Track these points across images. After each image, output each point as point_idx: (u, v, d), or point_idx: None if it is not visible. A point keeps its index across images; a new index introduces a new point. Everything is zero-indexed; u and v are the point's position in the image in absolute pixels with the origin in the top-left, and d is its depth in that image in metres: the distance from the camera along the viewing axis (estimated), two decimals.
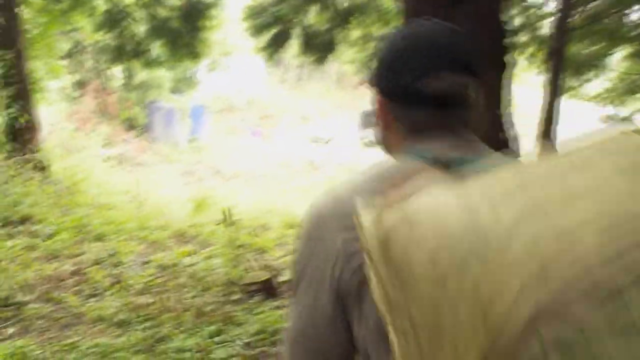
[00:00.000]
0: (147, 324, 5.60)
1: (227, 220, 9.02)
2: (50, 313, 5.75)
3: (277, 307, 6.37)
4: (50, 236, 7.71)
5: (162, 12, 10.61)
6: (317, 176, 16.71)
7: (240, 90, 27.16)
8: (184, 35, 10.59)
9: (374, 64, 1.15)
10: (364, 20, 10.82)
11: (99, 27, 10.47)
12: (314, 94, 27.90)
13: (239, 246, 7.93)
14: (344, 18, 10.50)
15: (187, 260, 7.49)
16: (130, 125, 20.35)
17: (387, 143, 1.16)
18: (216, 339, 5.45)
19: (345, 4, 10.63)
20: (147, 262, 7.39)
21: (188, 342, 5.26)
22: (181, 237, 8.56)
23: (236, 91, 26.91)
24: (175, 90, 21.92)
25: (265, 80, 30.37)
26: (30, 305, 5.82)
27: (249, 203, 10.89)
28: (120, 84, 21.01)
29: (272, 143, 21.47)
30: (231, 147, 20.56)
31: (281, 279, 7.17)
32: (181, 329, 5.58)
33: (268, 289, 6.68)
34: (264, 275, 6.78)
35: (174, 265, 7.28)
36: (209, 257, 7.63)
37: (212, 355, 5.07)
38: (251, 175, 16.66)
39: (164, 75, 20.55)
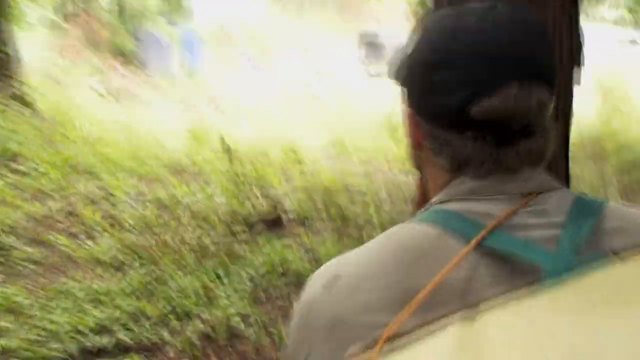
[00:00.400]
0: (147, 265, 5.22)
1: (227, 151, 8.54)
2: (42, 257, 5.34)
3: (284, 243, 6.00)
4: (40, 174, 7.24)
5: None
6: (319, 108, 16.06)
7: (239, 20, 26.23)
8: None
9: (404, 60, 0.86)
10: None
11: None
12: (316, 24, 26.86)
13: (240, 178, 7.46)
14: None
15: (186, 195, 7.03)
16: (122, 56, 19.59)
17: (421, 169, 0.92)
18: (223, 278, 5.09)
19: None
20: (143, 199, 6.94)
21: (191, 282, 4.90)
22: (179, 170, 8.10)
23: (234, 21, 25.97)
24: (168, 19, 21.01)
25: (264, 9, 29.35)
26: (20, 249, 5.40)
27: (248, 134, 10.36)
28: (109, 11, 20.10)
29: (272, 74, 20.73)
30: (229, 78, 19.79)
31: (288, 211, 6.77)
32: (184, 269, 5.21)
33: (274, 224, 6.30)
34: (270, 211, 6.37)
35: (174, 201, 6.84)
36: (210, 192, 7.17)
37: (219, 297, 4.71)
38: (250, 107, 16.03)
39: (156, 3, 19.65)
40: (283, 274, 5.30)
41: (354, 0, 30.66)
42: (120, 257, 5.36)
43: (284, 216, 6.59)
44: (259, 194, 7.16)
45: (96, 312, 4.30)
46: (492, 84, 0.74)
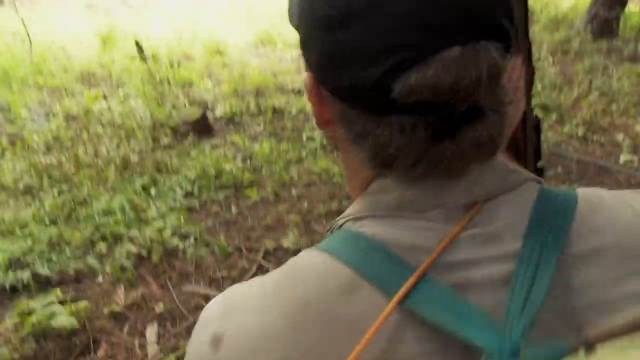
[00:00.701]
0: (62, 186, 4.66)
1: (142, 53, 7.78)
2: None
3: (215, 146, 5.53)
4: None
5: None
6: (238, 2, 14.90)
7: None
8: None
9: (302, 16, 0.59)
10: None
11: None
12: None
13: (161, 82, 6.81)
14: None
15: (100, 105, 6.34)
16: None
17: (336, 148, 0.68)
18: (151, 191, 4.61)
19: None
20: (51, 113, 6.21)
21: (116, 200, 4.40)
22: (89, 79, 7.32)
23: None
24: None
25: None
26: None
27: (164, 33, 9.46)
28: None
29: None
30: None
31: (217, 113, 6.23)
32: (106, 186, 4.68)
33: (202, 127, 5.77)
34: (195, 112, 5.80)
35: (86, 112, 6.17)
36: (126, 99, 6.50)
37: (149, 213, 4.25)
38: (161, 3, 14.73)
39: None
40: (216, 177, 4.87)
41: None
42: (28, 179, 4.76)
43: (210, 116, 6.07)
44: (181, 96, 6.56)
45: (6, 245, 3.78)
46: (423, 49, 0.51)
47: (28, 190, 4.61)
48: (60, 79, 7.15)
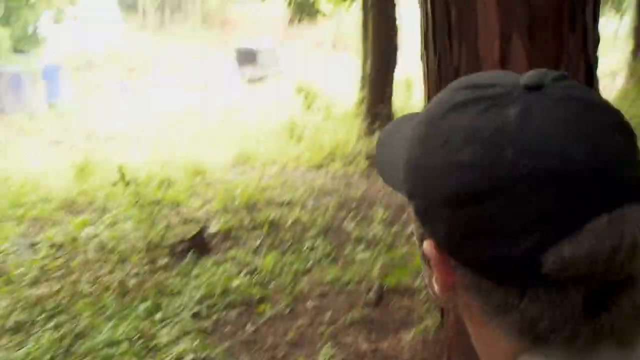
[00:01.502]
0: (57, 319, 4.21)
1: (124, 179, 7.55)
2: None
3: (217, 263, 5.21)
4: None
5: None
6: (201, 123, 15.14)
7: (97, 43, 24.39)
8: None
9: (424, 189, 0.58)
10: None
11: None
12: (179, 38, 25.69)
13: (149, 204, 6.55)
14: None
15: (87, 232, 6.00)
16: None
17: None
18: (156, 316, 4.21)
19: None
20: (35, 244, 5.82)
21: (120, 329, 3.99)
22: (71, 207, 6.99)
23: (93, 45, 24.11)
24: (17, 49, 18.90)
25: (123, 29, 27.66)
26: None
27: (140, 161, 9.32)
28: None
29: (144, 96, 19.45)
30: (99, 106, 18.26)
31: (211, 230, 5.96)
32: (106, 314, 4.26)
33: (200, 245, 5.47)
34: (191, 230, 5.53)
35: (73, 240, 5.80)
36: (114, 223, 6.18)
37: (160, 339, 3.84)
38: (130, 133, 14.77)
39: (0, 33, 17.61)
40: (224, 295, 4.53)
41: (213, 11, 30.08)
42: (17, 314, 4.30)
43: (208, 232, 5.79)
44: (172, 216, 6.30)
45: None
46: (572, 220, 0.49)
47: (20, 327, 4.14)
48: (41, 209, 6.81)
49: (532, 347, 0.55)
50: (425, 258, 0.60)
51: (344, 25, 24.80)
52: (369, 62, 9.05)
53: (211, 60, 22.45)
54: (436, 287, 0.61)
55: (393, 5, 8.79)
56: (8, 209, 6.88)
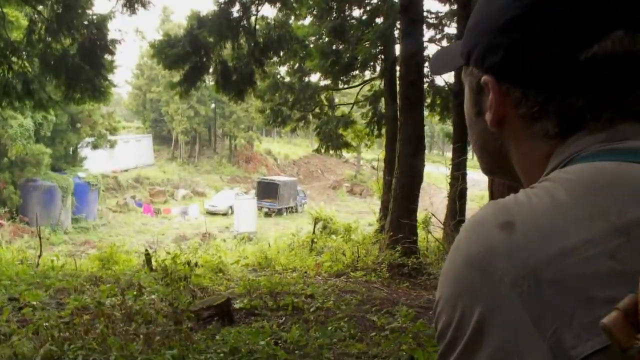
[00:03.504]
0: (88, 353, 4.10)
1: (150, 263, 7.62)
2: None
3: (242, 331, 5.09)
4: None
5: (57, 48, 9.35)
6: (219, 247, 15.30)
7: (129, 167, 25.57)
8: (84, 72, 9.34)
9: (476, 25, 0.71)
10: (282, 53, 10.34)
11: None
12: (206, 169, 26.80)
13: (174, 281, 6.54)
14: (262, 51, 9.87)
15: (113, 300, 5.94)
16: (3, 205, 17.83)
17: (498, 160, 0.75)
18: None
19: (262, 39, 10.03)
20: (62, 304, 5.76)
21: None
22: (98, 281, 6.96)
23: (124, 169, 25.26)
24: (56, 167, 19.81)
25: (154, 158, 29.07)
26: None
27: (164, 257, 9.40)
28: None
29: (167, 219, 19.92)
30: (123, 224, 18.61)
31: (236, 305, 5.89)
32: (134, 357, 4.14)
33: (225, 314, 5.39)
34: (218, 299, 5.47)
35: (99, 304, 5.72)
36: (140, 295, 6.13)
37: None
38: (150, 246, 14.91)
39: (43, 151, 18.54)
40: (249, 353, 4.39)
41: (240, 147, 31.65)
42: (47, 348, 4.19)
43: (234, 306, 5.72)
44: (198, 289, 6.26)
45: None
46: (597, 31, 0.60)
47: (48, 356, 4.02)
48: (68, 281, 6.81)
49: (567, 136, 0.65)
50: (476, 108, 0.73)
51: (361, 173, 25.78)
52: (394, 180, 9.40)
53: (234, 192, 23.17)
54: (488, 120, 0.70)
55: (421, 126, 9.33)
56: (37, 280, 6.89)
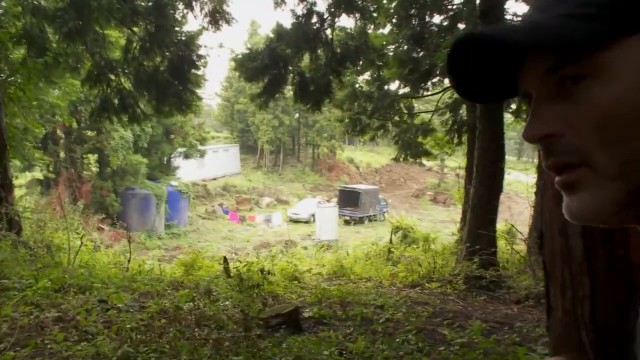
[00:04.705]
0: (160, 356, 4.31)
1: (228, 270, 7.87)
2: None
3: (309, 340, 5.15)
4: (27, 287, 6.36)
5: (149, 65, 9.89)
6: (299, 254, 15.52)
7: (217, 176, 26.65)
8: (172, 87, 9.84)
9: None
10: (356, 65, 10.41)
11: (84, 81, 9.61)
12: (289, 177, 27.37)
13: (248, 288, 6.73)
14: (339, 62, 9.98)
15: (191, 305, 6.19)
16: (105, 212, 19.07)
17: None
18: None
19: (339, 49, 10.13)
20: (144, 307, 6.07)
21: None
22: (179, 286, 7.28)
23: (213, 177, 26.35)
24: (151, 176, 20.95)
25: (241, 166, 30.10)
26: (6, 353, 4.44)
27: (243, 262, 9.69)
28: (94, 172, 19.96)
29: (251, 226, 20.48)
30: (210, 231, 19.33)
31: (305, 314, 5.97)
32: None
33: (293, 322, 5.47)
34: (287, 307, 5.57)
35: (177, 308, 5.98)
36: (216, 300, 6.36)
37: None
38: (234, 253, 15.39)
39: (140, 161, 19.68)
40: None
41: (323, 156, 32.07)
42: (127, 349, 4.44)
43: (302, 315, 5.81)
44: (269, 300, 6.41)
45: None
46: None
47: (125, 357, 4.27)
48: (152, 285, 7.16)
49: None
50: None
51: (445, 182, 25.26)
52: (472, 190, 9.17)
53: (317, 200, 23.45)
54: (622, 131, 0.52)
55: (501, 134, 9.06)
56: (125, 283, 7.30)
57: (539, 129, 0.56)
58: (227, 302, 6.21)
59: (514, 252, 9.84)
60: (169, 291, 6.93)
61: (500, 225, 10.69)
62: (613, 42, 0.51)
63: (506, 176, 9.65)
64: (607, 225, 0.59)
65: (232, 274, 7.69)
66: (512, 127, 14.67)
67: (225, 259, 7.79)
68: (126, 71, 10.20)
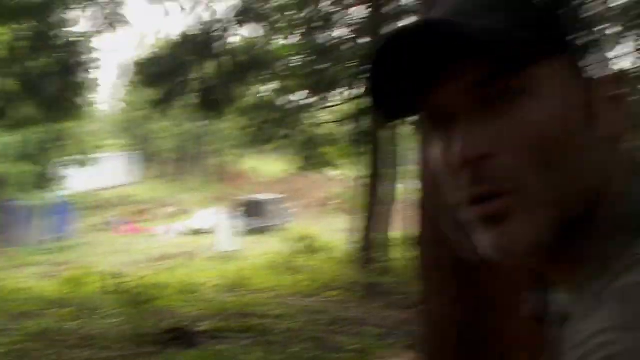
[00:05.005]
0: None
1: (117, 285, 7.45)
2: None
3: (202, 356, 4.95)
4: None
5: (34, 66, 9.27)
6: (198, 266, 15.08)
7: (114, 185, 25.39)
8: (61, 92, 9.28)
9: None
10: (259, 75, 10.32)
11: None
12: (191, 187, 26.68)
13: (139, 303, 6.39)
14: (241, 71, 9.85)
15: (73, 324, 5.79)
16: None
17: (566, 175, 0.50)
18: None
19: (242, 58, 10.00)
20: (11, 330, 5.58)
21: None
22: (59, 304, 6.79)
23: (108, 187, 25.07)
24: (38, 186, 19.56)
25: (138, 175, 28.95)
26: None
27: (135, 277, 9.25)
28: None
29: (150, 237, 19.71)
30: (103, 243, 18.41)
31: (199, 328, 5.75)
32: None
33: (187, 337, 5.24)
34: (178, 323, 5.34)
35: (58, 329, 5.57)
36: (103, 317, 5.99)
37: None
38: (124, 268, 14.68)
39: (25, 170, 18.31)
40: None
41: (226, 164, 31.63)
42: None
43: (193, 330, 5.57)
44: (163, 311, 6.12)
45: None
46: None
47: None
48: (31, 304, 6.65)
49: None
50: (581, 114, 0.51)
51: (349, 191, 25.71)
52: (371, 199, 9.37)
53: (219, 210, 22.99)
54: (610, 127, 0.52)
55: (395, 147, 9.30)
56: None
57: (473, 150, 0.49)
58: (116, 320, 5.86)
59: (410, 259, 10.10)
60: (51, 310, 6.45)
61: (397, 234, 10.96)
62: (549, 58, 0.50)
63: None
64: (529, 264, 0.55)
65: (123, 289, 7.28)
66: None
67: (116, 273, 7.37)
68: (7, 73, 9.50)
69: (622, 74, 0.54)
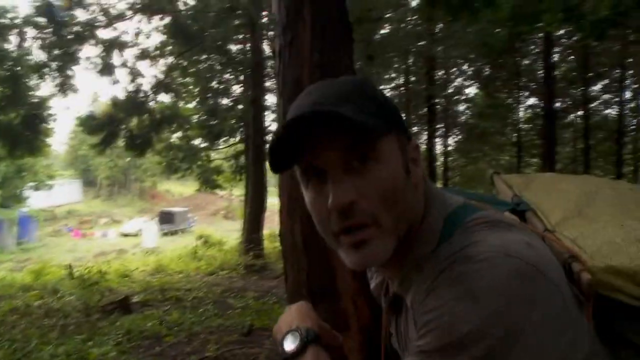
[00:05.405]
0: (12, 343, 3.67)
1: (72, 274, 6.87)
2: None
3: (136, 318, 4.84)
4: None
5: (6, 119, 8.28)
6: (129, 258, 13.98)
7: (63, 203, 22.62)
8: (24, 136, 8.35)
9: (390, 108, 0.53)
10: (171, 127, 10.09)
11: None
12: (122, 204, 24.62)
13: (89, 285, 6.00)
14: (158, 124, 9.58)
15: (40, 302, 5.31)
16: None
17: (414, 211, 0.52)
18: (88, 343, 3.83)
19: (158, 115, 9.75)
20: None
21: (60, 349, 3.57)
22: (26, 289, 6.13)
23: (58, 205, 22.28)
24: (4, 204, 17.03)
25: (82, 195, 26.02)
26: None
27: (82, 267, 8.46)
28: None
29: (91, 240, 17.88)
30: (57, 245, 16.29)
31: (134, 300, 5.57)
32: (50, 343, 3.79)
33: (124, 307, 5.09)
34: (120, 296, 5.17)
35: (26, 306, 5.09)
36: (62, 297, 5.56)
37: (91, 356, 3.50)
38: (77, 261, 13.19)
39: None
40: (140, 332, 4.23)
41: (147, 187, 29.65)
42: None
43: (129, 301, 5.39)
44: (107, 292, 5.81)
45: None
46: None
47: None
48: (3, 289, 5.92)
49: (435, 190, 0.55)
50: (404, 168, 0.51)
51: (233, 204, 25.38)
52: (248, 209, 9.55)
53: (142, 219, 21.46)
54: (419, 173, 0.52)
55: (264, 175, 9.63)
56: None
57: (345, 197, 0.47)
58: (71, 297, 5.47)
59: (276, 247, 10.40)
60: (19, 293, 5.80)
61: (270, 230, 11.17)
62: (388, 135, 0.49)
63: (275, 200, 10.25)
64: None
65: (75, 276, 6.73)
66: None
67: (70, 265, 6.80)
68: None
69: (417, 144, 0.54)
